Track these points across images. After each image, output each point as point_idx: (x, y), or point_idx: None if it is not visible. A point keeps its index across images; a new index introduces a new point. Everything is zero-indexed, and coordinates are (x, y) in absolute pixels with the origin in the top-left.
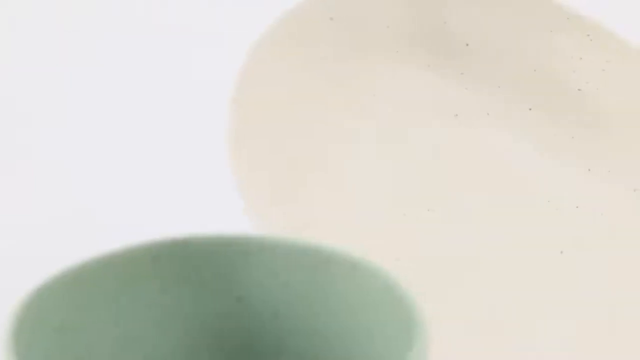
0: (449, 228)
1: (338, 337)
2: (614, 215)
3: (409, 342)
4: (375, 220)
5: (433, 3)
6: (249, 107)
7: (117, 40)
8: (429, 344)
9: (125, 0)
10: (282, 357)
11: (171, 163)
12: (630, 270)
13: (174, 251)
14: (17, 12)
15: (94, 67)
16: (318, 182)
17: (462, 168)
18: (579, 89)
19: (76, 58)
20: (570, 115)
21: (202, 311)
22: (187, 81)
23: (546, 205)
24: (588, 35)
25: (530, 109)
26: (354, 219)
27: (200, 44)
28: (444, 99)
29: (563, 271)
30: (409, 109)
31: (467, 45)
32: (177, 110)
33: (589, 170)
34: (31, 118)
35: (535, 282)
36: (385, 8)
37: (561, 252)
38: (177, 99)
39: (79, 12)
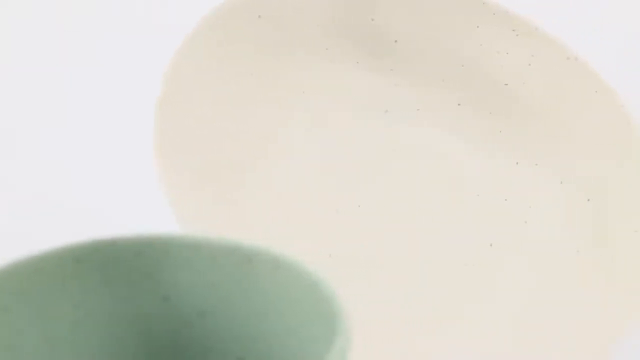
0: (381, 224)
1: (263, 336)
2: (542, 207)
3: (332, 341)
4: (308, 217)
5: (361, 0)
6: (176, 106)
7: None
8: (352, 343)
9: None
10: (209, 357)
11: (97, 162)
12: (558, 262)
13: (98, 252)
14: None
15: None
16: (248, 181)
17: (393, 164)
18: (505, 84)
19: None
20: (497, 109)
21: (128, 311)
22: (113, 81)
23: (475, 199)
24: (514, 30)
25: (459, 104)
26: (286, 216)
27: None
28: (374, 96)
29: (492, 264)
30: (338, 106)
31: (395, 41)
32: (96, 111)
33: (517, 163)
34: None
35: (464, 276)
36: (314, 5)
37: (490, 245)
38: (99, 100)
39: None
